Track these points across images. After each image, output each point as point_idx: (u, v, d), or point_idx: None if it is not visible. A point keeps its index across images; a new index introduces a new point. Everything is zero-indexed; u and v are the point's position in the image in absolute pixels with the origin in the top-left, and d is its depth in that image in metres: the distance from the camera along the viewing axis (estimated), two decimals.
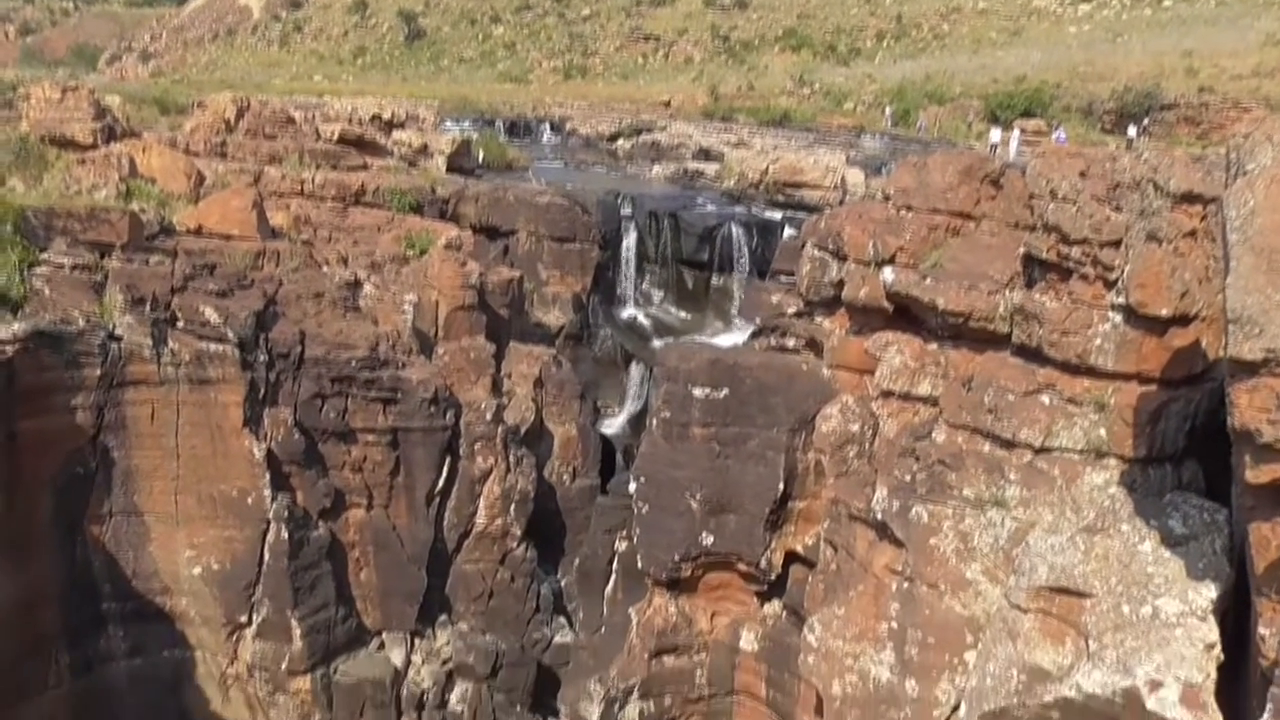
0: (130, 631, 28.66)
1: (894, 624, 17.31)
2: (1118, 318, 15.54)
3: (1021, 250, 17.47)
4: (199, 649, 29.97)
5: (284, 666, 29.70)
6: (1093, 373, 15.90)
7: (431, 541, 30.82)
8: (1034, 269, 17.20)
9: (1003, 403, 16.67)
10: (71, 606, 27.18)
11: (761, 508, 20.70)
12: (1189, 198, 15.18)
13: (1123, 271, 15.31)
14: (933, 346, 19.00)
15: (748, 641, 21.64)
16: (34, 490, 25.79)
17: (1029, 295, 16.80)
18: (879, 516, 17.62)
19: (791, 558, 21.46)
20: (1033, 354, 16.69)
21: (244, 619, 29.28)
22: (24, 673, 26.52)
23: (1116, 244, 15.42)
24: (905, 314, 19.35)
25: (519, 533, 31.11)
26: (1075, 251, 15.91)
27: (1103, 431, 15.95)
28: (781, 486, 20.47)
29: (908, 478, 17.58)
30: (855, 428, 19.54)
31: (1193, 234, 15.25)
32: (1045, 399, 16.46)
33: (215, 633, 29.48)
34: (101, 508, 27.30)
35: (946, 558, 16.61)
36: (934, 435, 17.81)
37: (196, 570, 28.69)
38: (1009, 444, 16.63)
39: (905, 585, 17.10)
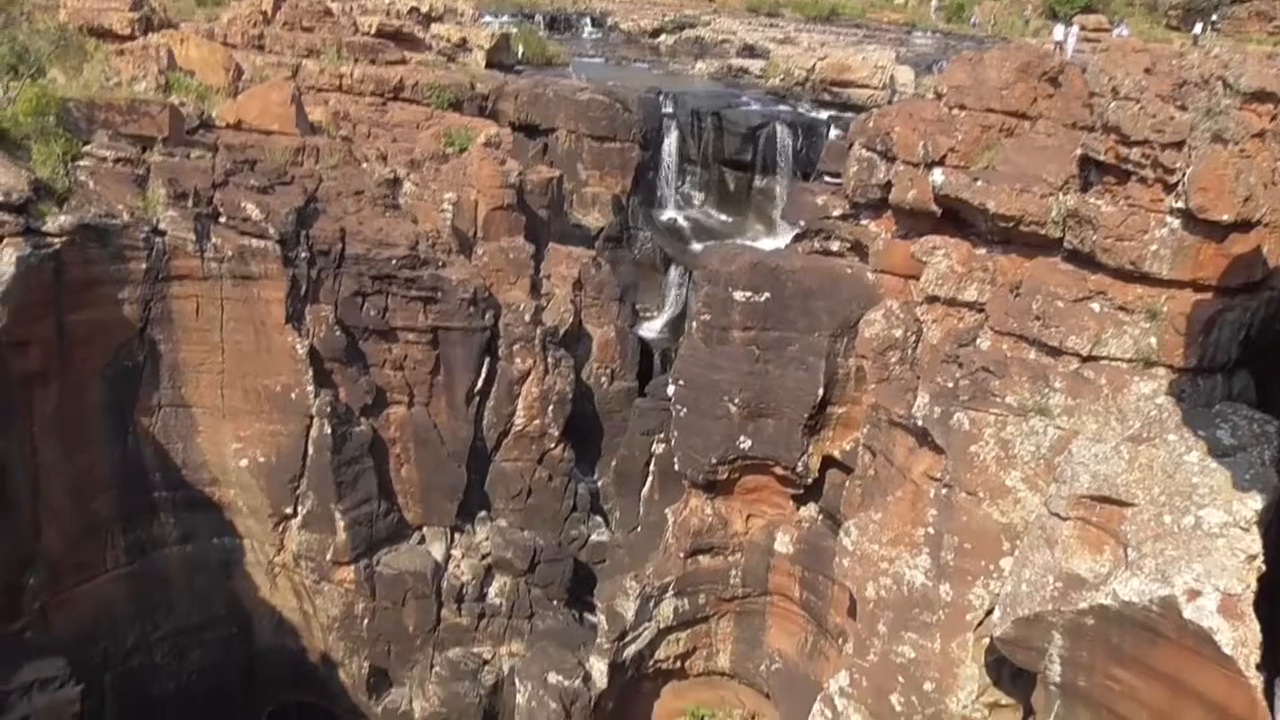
0: (181, 519, 29.55)
1: (931, 529, 17.34)
2: (1176, 222, 15.02)
3: (1078, 152, 16.86)
4: (247, 538, 30.90)
5: (328, 557, 30.56)
6: (1146, 279, 15.47)
7: (471, 440, 31.25)
8: (1090, 171, 16.61)
9: (1051, 309, 16.31)
10: (124, 493, 28.00)
11: (800, 413, 20.64)
12: (1260, 96, 14.48)
13: (1184, 174, 14.73)
14: (981, 251, 18.57)
15: (783, 544, 21.85)
16: (85, 381, 26.35)
17: (1084, 199, 16.28)
18: (919, 423, 17.50)
19: (829, 463, 21.48)
20: (1084, 259, 16.25)
21: (289, 511, 30.05)
22: (83, 554, 27.53)
23: (1179, 145, 14.81)
24: (954, 217, 18.88)
25: (557, 433, 31.42)
26: (1135, 153, 15.31)
27: (1153, 340, 15.59)
28: (821, 392, 20.36)
29: (950, 384, 17.38)
30: (898, 333, 19.28)
31: (1261, 135, 14.59)
32: (1095, 306, 16.08)
33: (262, 523, 30.32)
34: (150, 400, 27.86)
35: (986, 465, 16.52)
36: (978, 342, 17.52)
37: (243, 462, 29.37)
38: (1055, 351, 16.33)
39: (944, 492, 17.07)
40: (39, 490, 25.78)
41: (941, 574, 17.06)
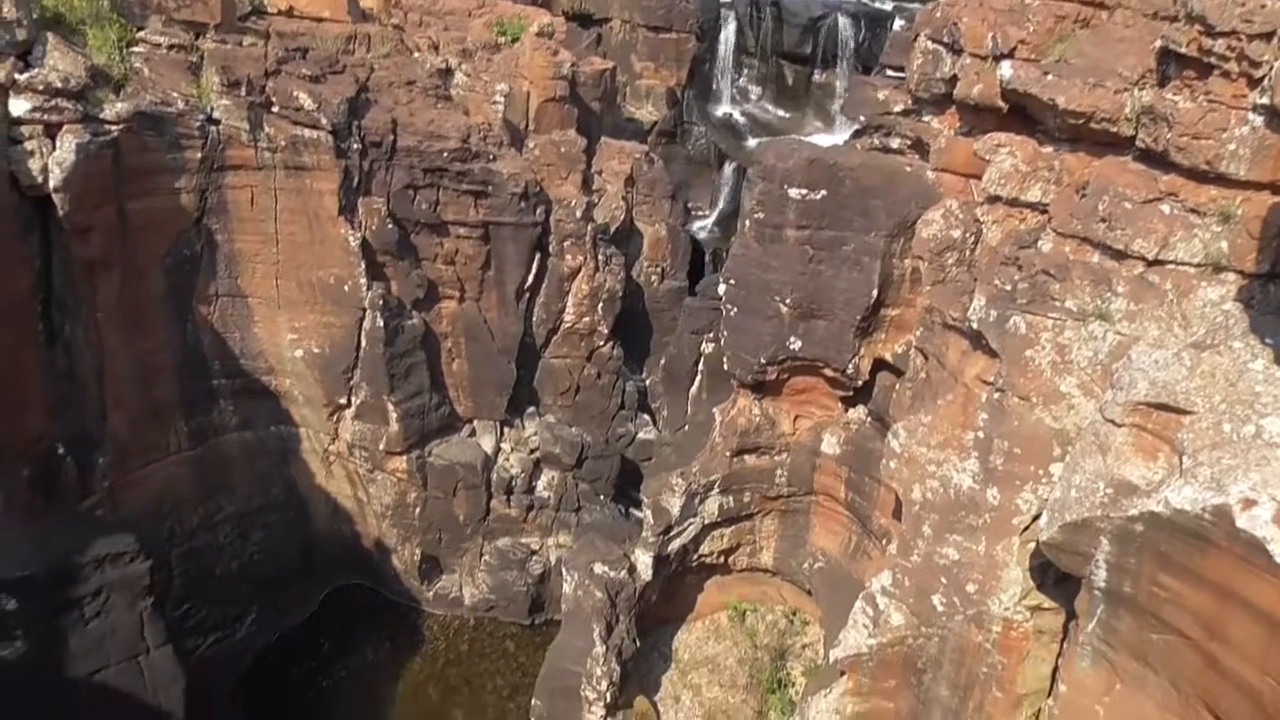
0: (240, 406, 30.34)
1: (980, 433, 17.17)
2: (1258, 120, 14.28)
3: (1157, 44, 16.00)
4: (303, 426, 31.68)
5: (381, 447, 31.27)
6: (1222, 180, 14.80)
7: (521, 336, 31.47)
8: (1169, 65, 15.78)
9: (1118, 211, 15.73)
10: (185, 380, 28.75)
11: (853, 314, 20.37)
12: None
13: (1271, 68, 13.93)
14: (1047, 149, 17.90)
15: (829, 445, 21.83)
16: (146, 269, 26.82)
17: (1160, 94, 15.51)
18: (974, 326, 17.17)
19: (879, 365, 21.27)
20: (1157, 159, 15.57)
21: (343, 401, 30.68)
22: (148, 438, 28.47)
23: (1268, 37, 13.96)
24: (1020, 114, 18.16)
25: (606, 331, 31.49)
26: (1219, 45, 14.47)
27: (1224, 244, 15.00)
28: (875, 293, 20.03)
29: (1008, 287, 16.97)
30: (957, 234, 18.80)
31: None
32: (1165, 208, 15.48)
33: (317, 412, 31.02)
34: (208, 289, 28.33)
35: (1041, 370, 16.22)
36: (1040, 244, 17.02)
37: (298, 353, 29.91)
38: (1120, 255, 15.80)
39: (996, 396, 16.84)
40: (104, 375, 26.54)
41: (989, 478, 16.95)
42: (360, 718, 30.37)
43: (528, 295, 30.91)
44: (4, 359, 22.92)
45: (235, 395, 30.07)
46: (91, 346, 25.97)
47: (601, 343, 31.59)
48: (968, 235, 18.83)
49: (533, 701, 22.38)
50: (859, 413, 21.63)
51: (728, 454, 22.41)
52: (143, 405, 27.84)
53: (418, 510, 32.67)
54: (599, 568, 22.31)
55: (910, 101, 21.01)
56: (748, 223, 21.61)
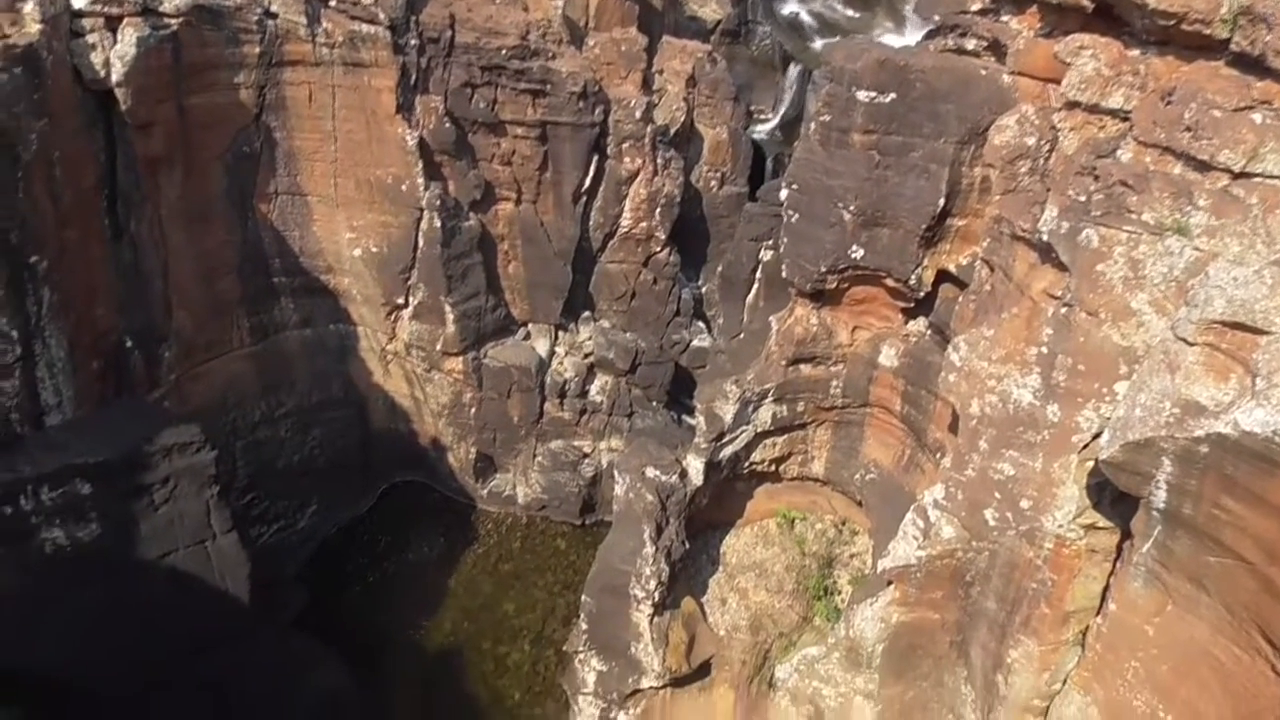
0: (300, 304, 30.77)
1: (1044, 349, 16.75)
2: None
3: None
4: (361, 325, 32.08)
5: (438, 347, 31.60)
6: None
7: (577, 240, 31.27)
8: None
9: (1205, 119, 14.93)
10: (247, 277, 29.18)
11: (918, 223, 19.81)
12: None
13: None
14: (1133, 53, 16.97)
15: (887, 357, 21.51)
16: (207, 166, 27.01)
17: None
18: (1045, 238, 16.60)
19: (942, 277, 20.78)
20: (1252, 64, 14.70)
21: (401, 301, 30.93)
22: (212, 333, 29.10)
23: None
24: (1106, 13, 17.19)
25: (663, 236, 31.14)
26: None
27: None
28: (942, 201, 19.42)
29: (1082, 198, 16.31)
30: (1031, 141, 18.06)
31: None
32: (1256, 117, 14.64)
33: (375, 311, 31.35)
34: (268, 186, 28.47)
35: (1112, 285, 15.67)
36: (1118, 153, 16.29)
37: (356, 252, 30.10)
38: (1204, 166, 15.06)
39: (1063, 311, 16.35)
40: (168, 271, 27.03)
41: (1051, 394, 16.59)
42: (416, 607, 31.42)
43: (585, 198, 30.61)
44: (73, 254, 23.37)
45: (295, 293, 30.48)
46: (156, 242, 26.39)
47: (658, 248, 31.30)
48: (1043, 143, 18.07)
49: (583, 598, 22.89)
50: (919, 325, 21.23)
51: (783, 363, 22.21)
52: (206, 301, 28.36)
53: (473, 410, 33.14)
54: (650, 471, 22.47)
55: (987, 1, 20.01)
56: (813, 126, 20.98)
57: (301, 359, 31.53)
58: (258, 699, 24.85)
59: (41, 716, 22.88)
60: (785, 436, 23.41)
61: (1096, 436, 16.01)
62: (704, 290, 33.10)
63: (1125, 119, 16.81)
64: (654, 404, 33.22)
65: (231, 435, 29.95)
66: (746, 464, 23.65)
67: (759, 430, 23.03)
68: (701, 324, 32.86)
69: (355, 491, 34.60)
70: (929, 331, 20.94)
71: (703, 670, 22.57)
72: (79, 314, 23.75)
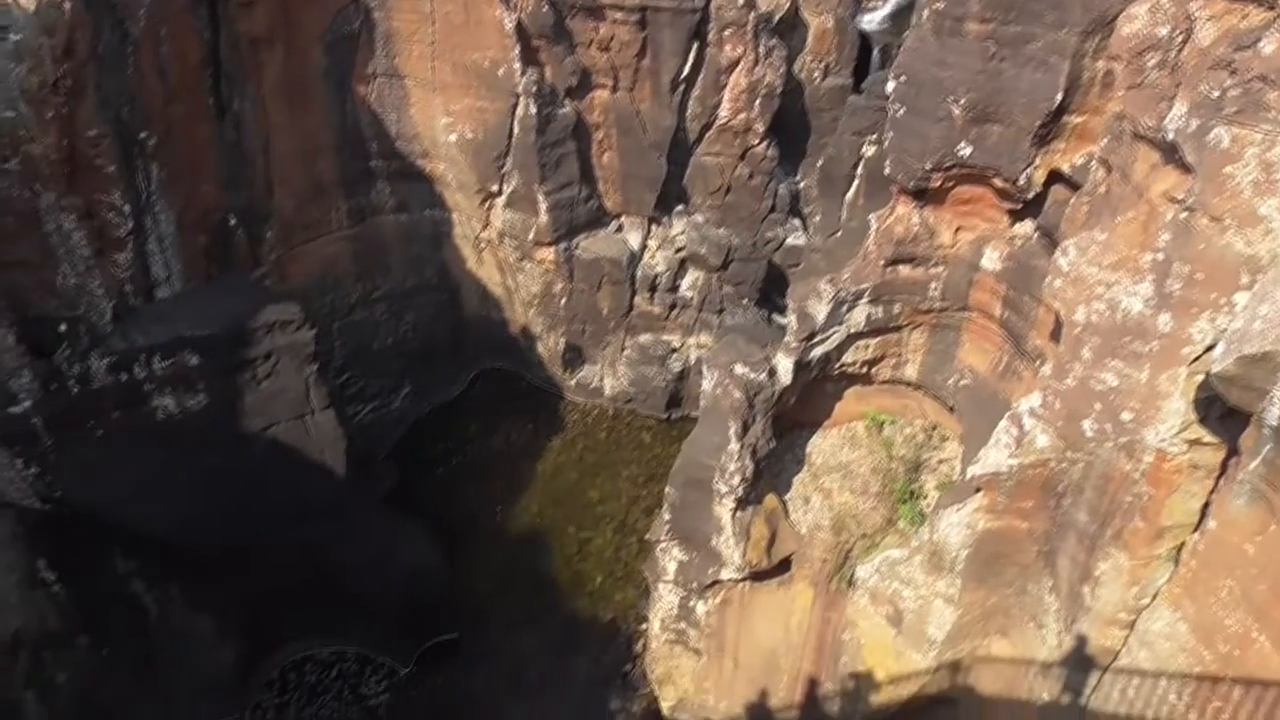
0: (396, 189, 31.07)
1: (1159, 255, 15.89)
2: None
3: None
4: (455, 212, 32.29)
5: (530, 237, 31.68)
6: None
7: (673, 130, 30.67)
8: None
9: None
10: (345, 159, 29.50)
11: (1032, 119, 18.75)
12: None
13: None
14: None
15: (990, 260, 20.70)
16: (308, 45, 27.09)
17: None
18: (1170, 137, 15.56)
19: (1054, 177, 19.73)
20: None
21: (495, 188, 30.95)
22: (311, 215, 29.66)
23: None
24: None
25: (762, 129, 30.31)
26: None
27: None
28: (1060, 96, 18.30)
29: (1215, 94, 15.16)
30: (1163, 31, 16.78)
31: None
32: None
33: (470, 198, 31.47)
34: (366, 68, 28.49)
35: (1240, 189, 14.66)
36: (1260, 45, 15.00)
37: (452, 137, 30.09)
38: None
39: (1183, 215, 15.42)
40: (270, 151, 27.46)
41: (1163, 303, 15.81)
42: (502, 490, 32.33)
43: (683, 87, 29.87)
44: (180, 131, 23.85)
45: (391, 177, 30.74)
46: (258, 122, 26.76)
47: (756, 141, 30.49)
48: (1176, 33, 16.78)
49: (666, 489, 23.15)
50: (1026, 227, 20.31)
51: (881, 263, 21.59)
52: (306, 182, 28.83)
53: (563, 301, 33.33)
54: (739, 368, 22.32)
55: None
56: (925, 14, 19.88)
57: (397, 243, 32.00)
58: (351, 567, 26.07)
59: (156, 572, 24.42)
60: (878, 339, 22.91)
61: (1209, 349, 15.27)
62: (801, 186, 32.30)
63: (1271, 7, 15.48)
64: (745, 301, 32.91)
65: (329, 316, 30.74)
66: (837, 365, 23.27)
67: (852, 331, 22.57)
68: (797, 221, 32.19)
69: (447, 376, 35.41)
70: (1036, 234, 20.03)
71: (783, 566, 22.75)
72: (186, 191, 24.37)
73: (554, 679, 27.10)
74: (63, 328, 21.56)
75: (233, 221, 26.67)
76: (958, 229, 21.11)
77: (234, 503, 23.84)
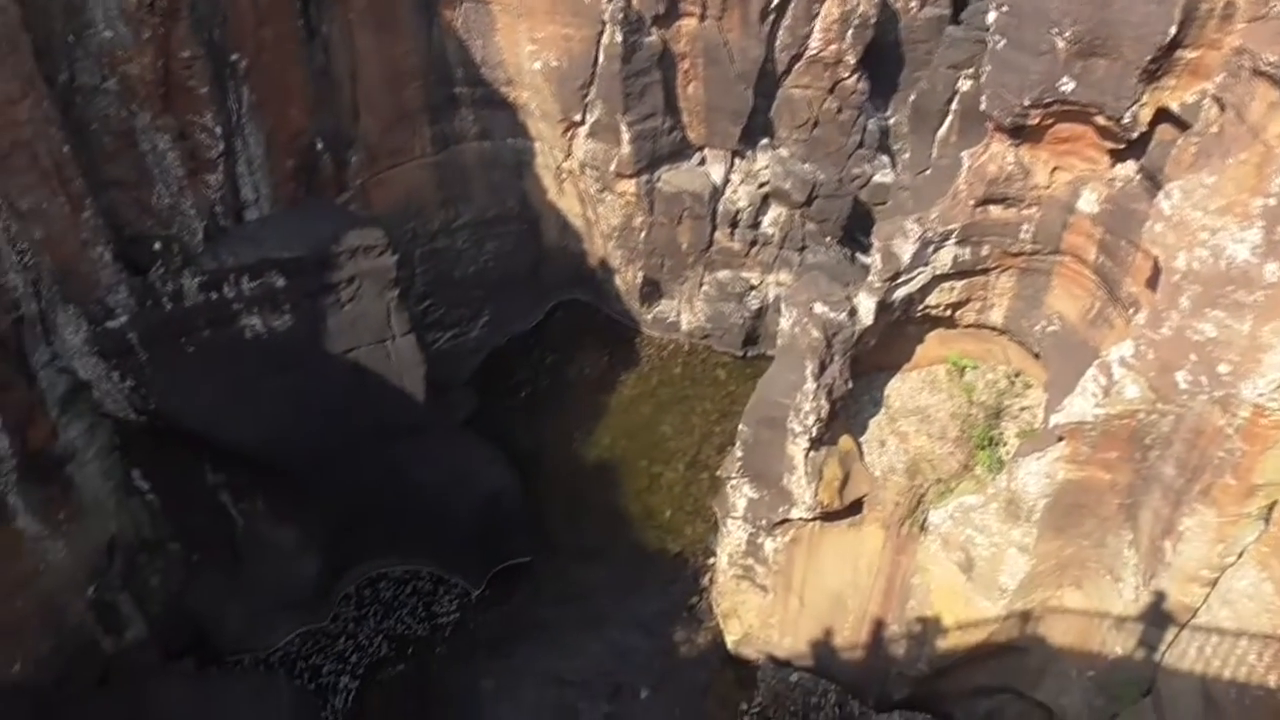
0: (479, 116, 31.04)
1: (1271, 200, 15.09)
2: None
3: None
4: (538, 141, 32.17)
5: (612, 168, 31.43)
6: None
7: (761, 61, 29.91)
8: None
9: None
10: (430, 85, 29.53)
11: (1142, 53, 17.76)
12: None
13: None
14: None
15: (1087, 202, 19.86)
16: None
17: None
18: None
19: (1161, 116, 18.74)
20: None
21: (578, 118, 30.70)
22: (395, 140, 29.82)
23: None
24: None
25: (853, 61, 29.38)
26: None
27: None
28: (1174, 29, 17.28)
29: None
30: None
31: None
32: None
33: (552, 127, 31.29)
34: None
35: None
36: None
37: (536, 65, 29.84)
38: None
39: None
40: (357, 76, 27.60)
41: (1272, 251, 15.04)
42: (576, 421, 32.64)
43: (773, 17, 29.01)
44: (270, 54, 24.06)
45: (475, 104, 30.70)
46: (345, 46, 26.87)
47: (847, 74, 29.59)
48: None
49: (740, 427, 23.06)
50: (1127, 169, 19.40)
51: (971, 203, 20.89)
52: (391, 108, 28.96)
53: (643, 234, 33.15)
54: (819, 307, 21.96)
55: None
56: None
57: (479, 171, 32.06)
58: (429, 489, 26.70)
59: (243, 485, 25.34)
60: (965, 281, 22.28)
61: None
62: (891, 122, 31.35)
63: None
64: (827, 239, 32.29)
65: (411, 242, 31.07)
66: (920, 307, 22.75)
67: (937, 273, 21.98)
68: (885, 158, 31.31)
69: (525, 306, 35.66)
70: (1138, 176, 19.13)
71: (854, 508, 22.59)
72: (275, 114, 24.66)
73: (620, 609, 27.54)
74: (157, 246, 22.18)
75: (319, 146, 26.95)
76: (1054, 169, 20.29)
77: (317, 422, 24.51)
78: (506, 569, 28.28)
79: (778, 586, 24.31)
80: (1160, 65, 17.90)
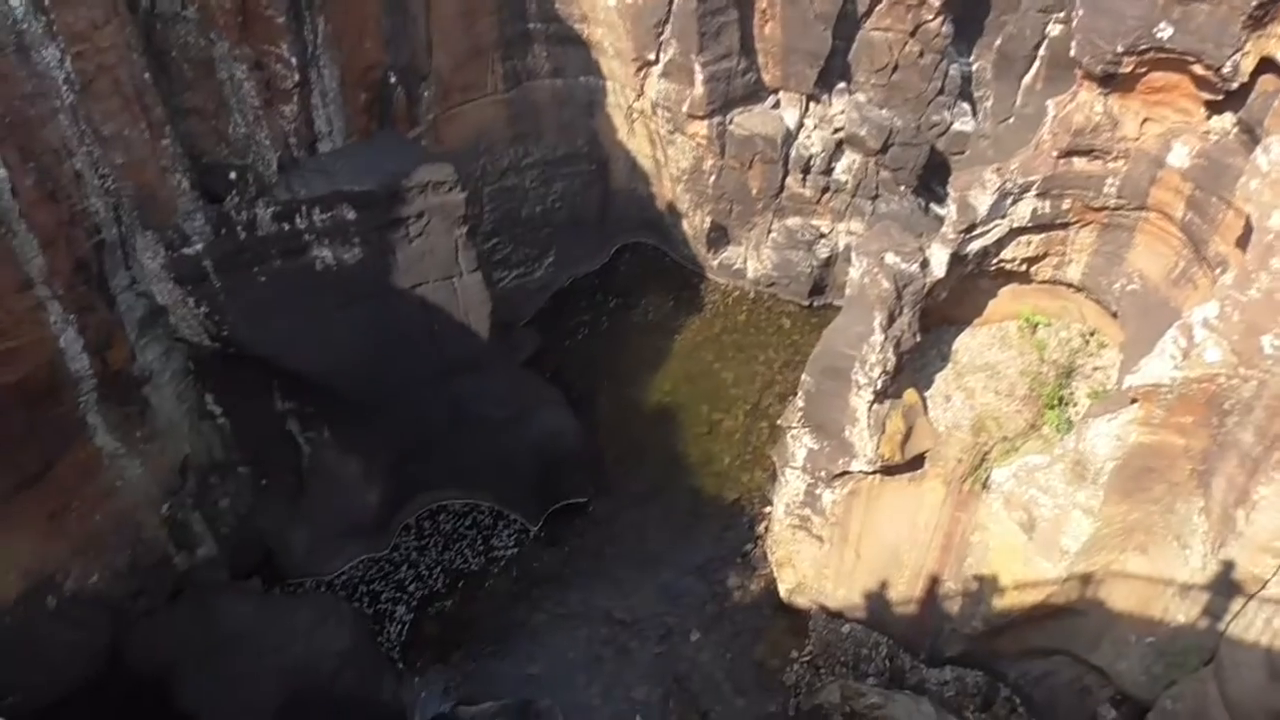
0: (552, 53, 30.75)
1: None
2: None
3: None
4: (610, 79, 31.81)
5: (684, 109, 30.98)
6: None
7: (842, 2, 29.07)
8: None
9: None
10: (504, 21, 29.33)
11: None
12: None
13: None
14: None
15: (1178, 156, 19.01)
16: None
17: None
18: None
19: (1264, 66, 17.80)
20: None
21: (651, 57, 30.24)
22: (468, 76, 29.72)
23: None
24: None
25: (938, 3, 28.37)
26: None
27: None
28: None
29: None
30: None
31: None
32: None
33: (625, 66, 30.88)
34: None
35: None
36: None
37: (611, 1, 29.43)
38: None
39: None
40: (431, 10, 27.46)
41: None
42: (637, 364, 32.65)
43: None
44: None
45: (549, 40, 30.41)
46: None
47: (930, 16, 28.60)
48: None
49: (803, 377, 22.81)
50: (1223, 121, 18.50)
51: (1055, 153, 20.16)
52: (464, 42, 28.81)
53: (712, 178, 32.74)
54: (890, 257, 21.49)
55: None
56: None
57: (550, 109, 31.86)
58: (490, 426, 27.01)
59: (310, 414, 25.90)
60: (1043, 235, 21.60)
61: None
62: (974, 67, 30.28)
63: None
64: (902, 188, 31.56)
65: (480, 179, 31.09)
66: (995, 261, 22.14)
67: (1015, 226, 21.34)
68: (966, 105, 30.34)
69: (590, 247, 35.59)
70: (1235, 129, 18.24)
71: (915, 462, 22.29)
72: (349, 46, 24.69)
73: (675, 552, 27.73)
74: (232, 176, 22.49)
75: (393, 79, 26.95)
76: (1145, 120, 19.45)
77: (383, 354, 24.87)
78: (563, 508, 28.60)
79: (834, 538, 24.22)
80: (1267, 11, 16.94)
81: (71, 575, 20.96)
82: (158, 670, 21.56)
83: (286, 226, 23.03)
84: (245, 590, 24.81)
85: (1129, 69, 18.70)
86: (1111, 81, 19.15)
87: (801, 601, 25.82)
